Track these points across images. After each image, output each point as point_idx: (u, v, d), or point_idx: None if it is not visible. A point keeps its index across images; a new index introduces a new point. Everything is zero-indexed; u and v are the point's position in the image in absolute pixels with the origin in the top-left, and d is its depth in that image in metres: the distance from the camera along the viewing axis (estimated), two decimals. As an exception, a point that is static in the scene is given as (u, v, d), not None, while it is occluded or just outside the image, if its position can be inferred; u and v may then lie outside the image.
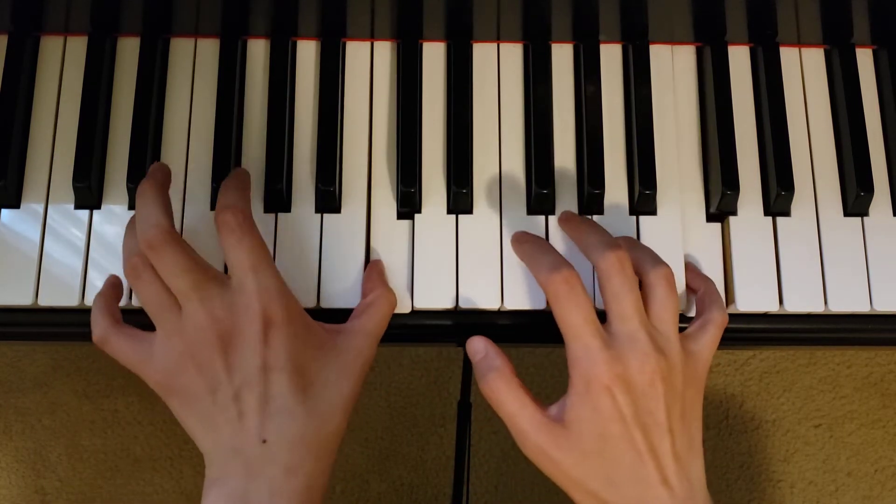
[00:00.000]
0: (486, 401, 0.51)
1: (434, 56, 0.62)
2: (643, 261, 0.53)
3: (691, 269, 0.58)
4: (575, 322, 0.50)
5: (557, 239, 0.58)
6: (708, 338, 0.53)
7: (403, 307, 0.57)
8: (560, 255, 0.53)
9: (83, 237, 0.57)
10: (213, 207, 0.58)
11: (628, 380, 0.49)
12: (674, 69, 0.62)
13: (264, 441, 0.48)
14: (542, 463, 0.50)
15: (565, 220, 0.57)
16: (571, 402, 0.50)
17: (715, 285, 0.56)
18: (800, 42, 0.63)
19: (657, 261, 0.53)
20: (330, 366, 0.51)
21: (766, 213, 0.59)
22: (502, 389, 0.51)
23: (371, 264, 0.57)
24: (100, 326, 0.52)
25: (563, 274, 0.50)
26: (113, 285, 0.55)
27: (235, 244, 0.50)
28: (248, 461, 0.48)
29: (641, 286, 0.52)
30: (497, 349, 0.53)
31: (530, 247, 0.55)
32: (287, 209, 0.58)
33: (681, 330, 0.54)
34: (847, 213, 0.59)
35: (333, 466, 0.51)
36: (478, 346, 0.53)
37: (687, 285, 0.57)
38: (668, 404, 0.49)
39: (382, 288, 0.55)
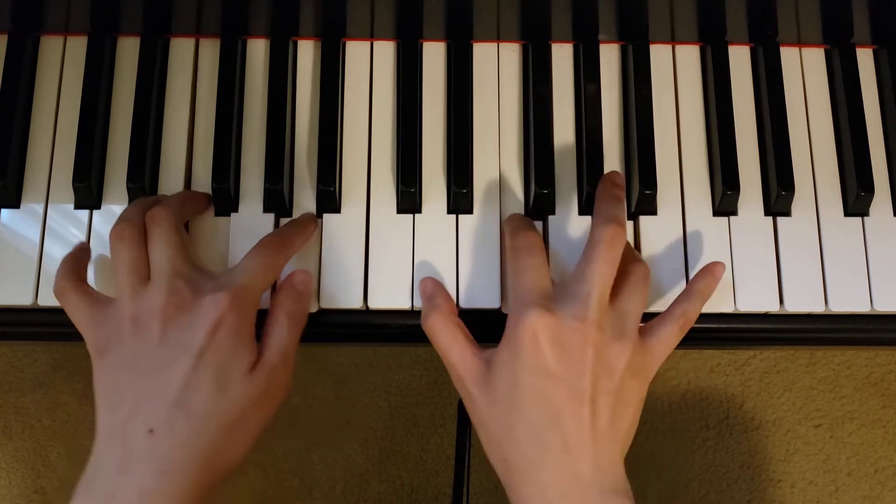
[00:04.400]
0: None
1: (434, 56, 0.62)
2: (631, 255, 0.54)
3: (706, 269, 0.55)
4: (522, 269, 0.51)
5: (557, 239, 0.58)
6: (664, 333, 0.52)
7: (403, 306, 0.57)
8: (532, 224, 0.55)
9: (83, 237, 0.57)
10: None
11: (559, 333, 0.48)
12: (675, 69, 0.62)
13: (151, 431, 0.47)
14: (463, 397, 0.52)
15: (606, 179, 0.56)
16: (500, 344, 0.51)
17: (705, 291, 0.54)
18: (800, 42, 0.63)
19: (641, 259, 0.54)
20: (243, 387, 0.49)
21: (767, 213, 0.59)
22: (438, 325, 0.52)
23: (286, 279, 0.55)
24: (64, 279, 0.53)
25: (529, 233, 0.53)
26: (82, 248, 0.56)
27: (257, 254, 0.52)
28: (127, 452, 0.46)
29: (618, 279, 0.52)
30: (443, 290, 0.55)
31: (515, 217, 0.57)
32: (287, 209, 0.58)
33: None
34: (847, 213, 0.59)
35: (215, 494, 0.49)
36: (426, 286, 0.55)
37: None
38: (597, 374, 0.48)
39: (278, 313, 0.53)
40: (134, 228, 0.52)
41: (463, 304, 0.57)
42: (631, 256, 0.54)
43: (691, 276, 0.58)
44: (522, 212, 0.58)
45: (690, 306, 0.53)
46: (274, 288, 0.55)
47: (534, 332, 0.48)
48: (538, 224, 0.58)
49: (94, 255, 0.57)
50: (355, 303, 0.57)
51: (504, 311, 0.57)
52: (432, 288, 0.55)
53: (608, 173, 0.58)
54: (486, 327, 0.57)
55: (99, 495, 0.46)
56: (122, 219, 0.53)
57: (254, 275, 0.51)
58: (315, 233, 0.58)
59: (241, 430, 0.49)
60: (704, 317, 0.58)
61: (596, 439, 0.48)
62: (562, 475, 0.47)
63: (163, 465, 0.46)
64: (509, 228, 0.55)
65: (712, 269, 0.55)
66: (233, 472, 0.50)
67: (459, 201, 0.58)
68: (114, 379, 0.49)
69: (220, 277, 0.51)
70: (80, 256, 0.56)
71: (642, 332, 0.52)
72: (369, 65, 0.61)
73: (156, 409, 0.47)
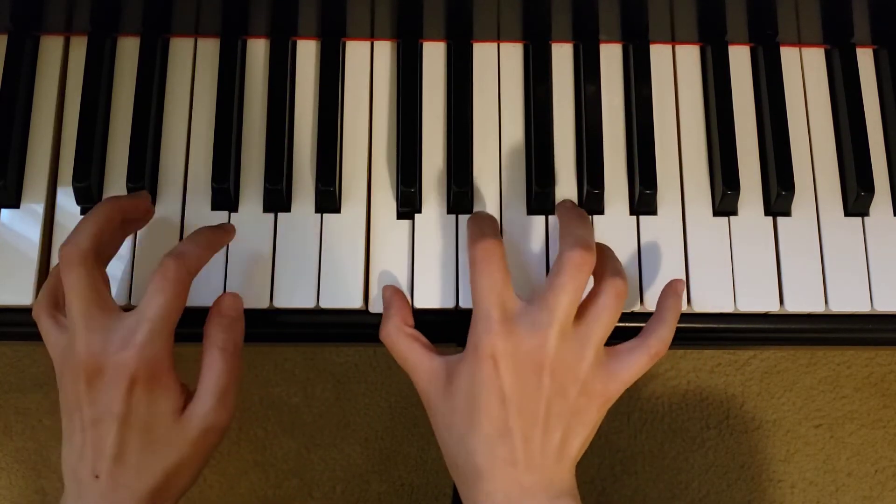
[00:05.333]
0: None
1: (434, 56, 0.61)
2: (606, 268, 0.52)
3: (671, 287, 0.55)
4: (481, 287, 0.51)
5: (557, 239, 0.58)
6: (633, 361, 0.51)
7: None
8: (494, 231, 0.53)
9: (83, 237, 0.57)
10: (213, 208, 0.58)
11: (516, 358, 0.49)
12: (675, 69, 0.62)
13: (97, 476, 0.49)
14: (424, 403, 0.53)
15: (562, 205, 0.57)
16: (461, 358, 0.51)
17: (675, 315, 0.53)
18: (800, 42, 0.63)
19: (619, 273, 0.52)
20: (176, 431, 0.51)
21: (767, 213, 0.59)
22: (392, 335, 0.54)
23: (213, 303, 0.54)
24: (38, 304, 0.54)
25: (485, 243, 0.51)
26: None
27: (157, 290, 0.50)
28: (80, 488, 0.50)
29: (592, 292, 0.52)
30: (399, 300, 0.55)
31: (476, 219, 0.55)
32: (287, 209, 0.58)
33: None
34: (847, 213, 0.59)
35: None
36: (384, 295, 0.56)
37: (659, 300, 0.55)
38: (550, 399, 0.49)
39: (211, 349, 0.52)
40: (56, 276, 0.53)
41: (463, 305, 0.57)
42: (606, 271, 0.52)
43: (691, 275, 0.58)
44: (523, 211, 0.58)
45: (664, 333, 0.52)
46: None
47: (493, 355, 0.49)
48: (539, 220, 0.58)
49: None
50: (355, 303, 0.57)
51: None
52: (389, 297, 0.55)
53: (561, 202, 0.57)
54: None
55: None
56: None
57: (157, 319, 0.49)
58: (316, 233, 0.58)
59: (183, 469, 0.51)
60: (704, 317, 0.58)
61: (545, 457, 0.49)
62: (509, 485, 0.49)
63: (111, 502, 0.49)
64: (468, 234, 0.53)
65: (675, 288, 0.54)
66: (183, 494, 0.52)
67: (459, 201, 0.58)
68: (65, 417, 0.51)
69: (126, 325, 0.50)
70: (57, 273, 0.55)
71: (610, 355, 0.52)
72: (369, 65, 0.61)
73: (97, 458, 0.50)
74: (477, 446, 0.49)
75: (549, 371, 0.49)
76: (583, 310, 0.51)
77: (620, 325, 0.56)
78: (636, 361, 0.51)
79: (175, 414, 0.51)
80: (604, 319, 0.51)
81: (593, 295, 0.52)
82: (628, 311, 0.57)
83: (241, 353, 0.53)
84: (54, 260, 0.57)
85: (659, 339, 0.52)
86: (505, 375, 0.49)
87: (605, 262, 0.53)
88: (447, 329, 0.57)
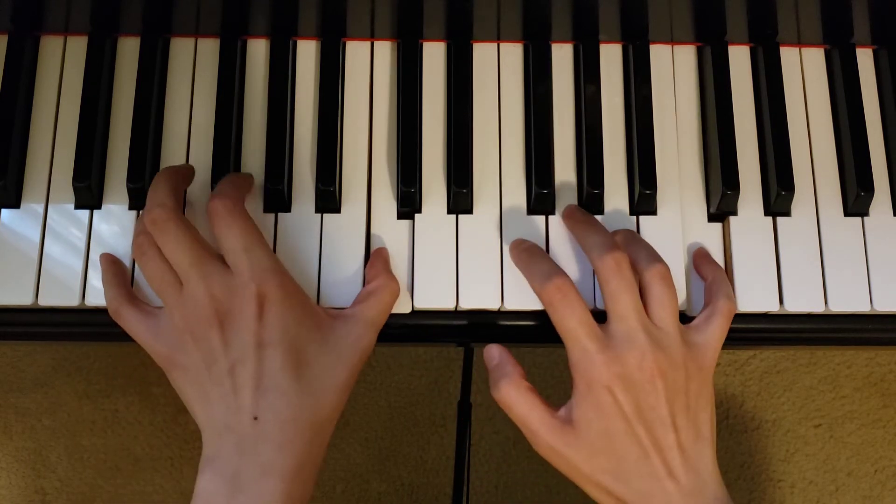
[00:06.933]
0: (497, 403, 0.53)
1: (434, 56, 0.62)
2: (640, 259, 0.54)
3: (701, 255, 0.58)
4: (570, 326, 0.51)
5: (557, 239, 0.58)
6: (713, 328, 0.54)
7: (403, 307, 0.57)
8: (553, 263, 0.54)
9: (83, 237, 0.57)
10: (213, 207, 0.58)
11: (627, 378, 0.50)
12: (674, 69, 0.62)
13: (255, 418, 0.49)
14: (554, 461, 0.52)
15: (568, 215, 0.58)
16: (576, 402, 0.51)
17: (723, 273, 0.57)
18: (800, 42, 0.63)
19: (653, 258, 0.54)
20: (326, 349, 0.52)
21: (767, 213, 0.59)
22: (512, 395, 0.52)
23: (375, 252, 0.57)
24: (115, 299, 0.54)
25: (556, 282, 0.52)
26: (113, 261, 0.56)
27: (225, 229, 0.52)
28: (239, 438, 0.49)
29: (639, 284, 0.53)
30: (510, 357, 0.54)
31: (526, 255, 0.56)
32: (287, 209, 0.58)
33: (688, 321, 0.54)
34: (847, 213, 0.59)
35: (326, 449, 0.52)
36: (492, 354, 0.55)
37: (697, 273, 0.58)
38: (670, 399, 0.50)
39: (385, 276, 0.55)
40: (149, 239, 0.53)
41: (463, 305, 0.57)
42: (641, 263, 0.53)
43: (691, 275, 0.58)
44: (524, 211, 0.58)
45: (726, 289, 0.55)
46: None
47: (607, 385, 0.50)
48: (539, 220, 0.58)
49: (97, 252, 0.57)
50: (355, 303, 0.57)
51: (503, 308, 0.57)
52: (499, 355, 0.54)
53: (565, 209, 0.58)
54: (486, 327, 0.57)
55: (223, 473, 0.48)
56: (137, 233, 0.54)
57: (250, 243, 0.51)
58: (316, 233, 0.58)
59: (341, 392, 0.52)
60: (704, 317, 0.58)
61: (688, 457, 0.51)
62: (671, 498, 0.50)
63: (277, 442, 0.49)
64: (529, 277, 0.55)
65: (702, 252, 0.58)
66: (333, 427, 0.52)
67: (459, 201, 0.58)
68: (193, 384, 0.51)
69: (232, 263, 0.51)
70: (115, 270, 0.56)
71: (692, 331, 0.53)
72: (369, 65, 0.61)
73: (251, 399, 0.49)
74: (630, 473, 0.50)
75: (659, 375, 0.50)
76: (647, 308, 0.52)
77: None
78: (716, 326, 0.54)
79: (320, 330, 0.52)
80: (667, 305, 0.52)
81: (643, 291, 0.53)
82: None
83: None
84: (54, 260, 0.57)
85: (726, 296, 0.55)
86: (623, 399, 0.50)
87: (636, 255, 0.54)
88: (447, 329, 0.57)
